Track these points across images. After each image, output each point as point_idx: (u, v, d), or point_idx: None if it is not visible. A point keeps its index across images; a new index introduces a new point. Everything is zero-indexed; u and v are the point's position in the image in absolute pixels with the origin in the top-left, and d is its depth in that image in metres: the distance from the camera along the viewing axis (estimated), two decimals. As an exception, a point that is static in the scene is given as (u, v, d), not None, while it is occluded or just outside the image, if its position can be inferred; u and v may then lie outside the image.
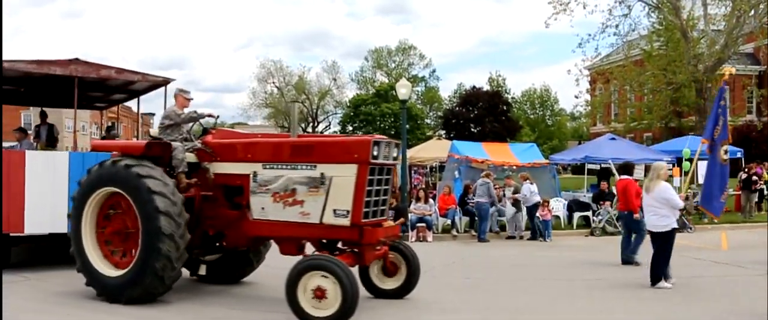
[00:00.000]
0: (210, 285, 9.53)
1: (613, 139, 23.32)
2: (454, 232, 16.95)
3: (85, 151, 12.85)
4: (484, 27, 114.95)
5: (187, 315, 7.90)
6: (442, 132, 54.54)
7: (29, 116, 48.70)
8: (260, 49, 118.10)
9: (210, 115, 9.25)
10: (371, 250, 7.91)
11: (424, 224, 16.09)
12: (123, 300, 8.02)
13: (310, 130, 71.02)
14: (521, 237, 16.71)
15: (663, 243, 9.57)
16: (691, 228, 17.51)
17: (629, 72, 31.23)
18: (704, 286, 9.97)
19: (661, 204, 9.53)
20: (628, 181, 12.20)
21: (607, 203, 17.72)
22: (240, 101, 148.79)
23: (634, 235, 12.03)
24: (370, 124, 62.00)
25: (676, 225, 9.73)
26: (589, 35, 29.75)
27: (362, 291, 7.92)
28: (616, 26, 29.26)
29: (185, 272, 8.97)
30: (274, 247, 9.38)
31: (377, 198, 7.85)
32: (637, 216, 11.69)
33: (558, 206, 18.54)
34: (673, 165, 19.76)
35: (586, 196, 19.86)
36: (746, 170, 21.46)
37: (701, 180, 20.52)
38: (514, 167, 19.85)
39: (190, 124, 9.32)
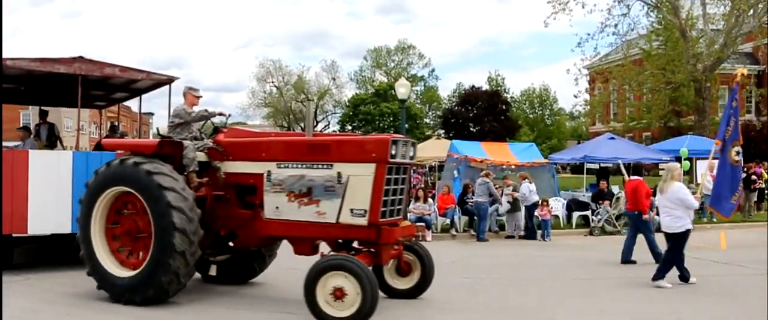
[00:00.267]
0: (218, 285, 9.45)
1: (612, 138, 23.34)
2: (453, 232, 16.96)
3: (88, 151, 12.74)
4: (483, 26, 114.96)
5: (194, 315, 7.86)
6: (442, 131, 54.51)
7: (28, 116, 48.53)
8: (260, 48, 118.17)
9: (221, 114, 9.12)
10: (388, 250, 7.85)
11: (423, 224, 16.08)
12: (137, 301, 7.91)
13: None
14: (521, 237, 16.71)
15: (677, 243, 9.62)
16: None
17: (628, 71, 31.27)
18: (703, 286, 9.96)
19: (675, 204, 9.58)
20: (639, 182, 12.23)
21: (607, 202, 17.74)
22: (239, 101, 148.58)
23: (643, 236, 12.03)
24: (369, 123, 62.01)
25: (690, 227, 9.76)
26: (589, 35, 29.88)
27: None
28: (615, 25, 29.37)
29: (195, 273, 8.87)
30: (282, 248, 9.38)
31: (394, 197, 7.80)
32: (646, 216, 11.79)
33: (557, 205, 18.54)
34: (679, 164, 19.75)
35: (585, 196, 19.87)
36: (745, 169, 21.46)
37: (699, 180, 20.67)
38: (513, 166, 19.86)
39: (201, 123, 9.18)
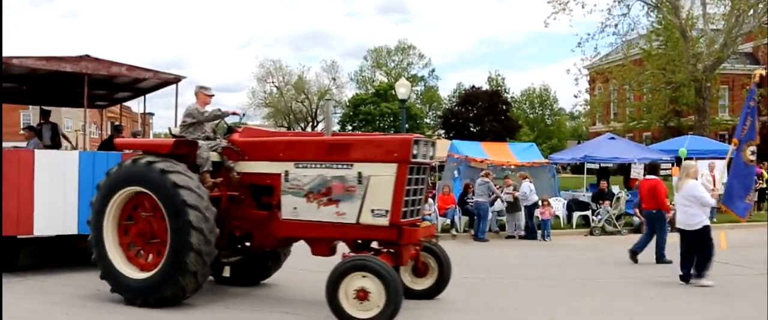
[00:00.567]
0: (230, 287, 9.35)
1: (613, 138, 23.33)
2: (453, 232, 16.95)
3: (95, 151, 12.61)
4: (483, 26, 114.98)
5: (207, 317, 7.81)
6: (442, 131, 54.53)
7: (28, 116, 48.48)
8: (260, 48, 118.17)
9: (235, 113, 9.02)
10: (408, 250, 7.79)
11: (424, 224, 16.07)
12: (153, 302, 7.82)
13: (309, 129, 70.99)
14: (521, 237, 16.70)
15: (701, 240, 9.70)
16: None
17: (628, 71, 31.26)
18: (703, 286, 9.96)
19: (690, 202, 9.68)
20: (656, 181, 12.30)
21: (607, 202, 17.74)
22: (239, 101, 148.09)
23: (656, 235, 12.13)
24: (369, 123, 61.98)
25: (708, 223, 9.83)
26: (589, 35, 29.87)
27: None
28: (616, 25, 29.37)
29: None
30: (294, 248, 9.34)
31: (415, 197, 7.75)
32: (669, 215, 11.94)
33: (557, 205, 18.54)
34: (672, 165, 19.78)
35: (585, 196, 19.86)
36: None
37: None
38: (513, 166, 19.86)
39: (214, 122, 9.04)
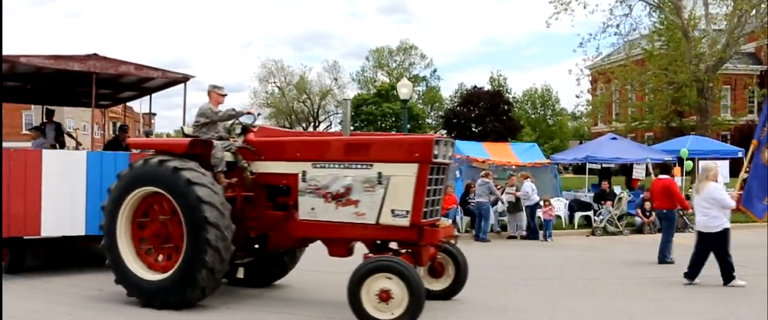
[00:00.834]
0: (241, 288, 9.27)
1: (615, 138, 23.35)
2: (454, 232, 16.92)
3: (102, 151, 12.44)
4: (485, 27, 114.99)
5: (215, 317, 7.75)
6: (443, 131, 54.51)
7: (31, 116, 48.47)
8: (262, 49, 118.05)
9: (249, 113, 8.90)
10: (427, 250, 7.72)
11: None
12: (174, 303, 7.70)
13: (311, 129, 71.03)
14: (523, 237, 16.70)
15: (720, 243, 9.68)
16: (692, 229, 17.47)
17: (630, 71, 31.23)
18: (704, 286, 9.96)
19: (710, 204, 9.65)
20: (670, 181, 12.34)
21: (609, 203, 17.73)
22: (241, 101, 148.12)
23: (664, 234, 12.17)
24: (371, 123, 61.99)
25: (728, 225, 9.80)
26: (591, 35, 29.82)
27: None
28: (617, 26, 29.32)
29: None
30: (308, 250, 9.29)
31: (435, 197, 7.70)
32: (690, 212, 11.91)
33: (559, 206, 18.54)
34: (674, 165, 19.75)
35: (587, 196, 19.87)
36: (748, 170, 21.39)
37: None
38: (514, 167, 19.86)
39: (228, 122, 8.95)
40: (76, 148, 15.80)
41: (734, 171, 17.17)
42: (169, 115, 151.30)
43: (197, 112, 8.82)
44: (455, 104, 61.31)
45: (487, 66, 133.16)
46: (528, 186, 16.71)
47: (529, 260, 13.43)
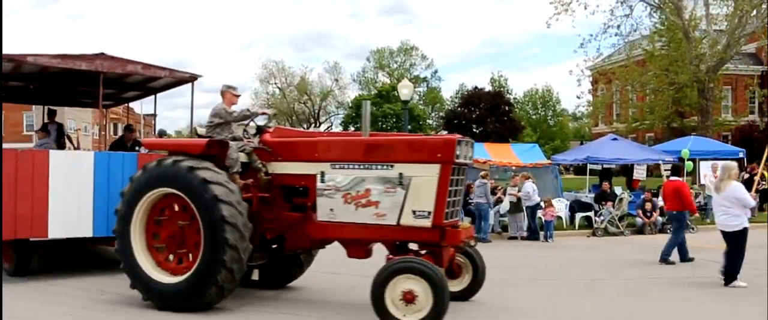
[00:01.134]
0: (256, 290, 9.17)
1: (615, 139, 23.33)
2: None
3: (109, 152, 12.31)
4: (486, 27, 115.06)
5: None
6: (444, 132, 54.45)
7: (31, 116, 48.43)
8: (263, 49, 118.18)
9: (264, 112, 8.82)
10: (448, 252, 7.66)
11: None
12: (194, 304, 7.59)
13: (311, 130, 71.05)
14: (523, 238, 16.69)
15: (737, 242, 9.72)
16: (693, 229, 17.47)
17: (631, 72, 31.25)
18: (704, 286, 9.97)
19: (731, 203, 9.67)
20: (681, 183, 12.41)
21: (610, 203, 17.72)
22: (242, 102, 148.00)
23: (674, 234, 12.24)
24: (372, 124, 61.74)
25: (747, 225, 9.82)
26: (591, 35, 29.85)
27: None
28: (618, 26, 29.34)
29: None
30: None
31: (455, 198, 7.66)
32: (696, 215, 11.97)
33: (560, 206, 18.52)
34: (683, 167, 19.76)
35: (588, 197, 19.85)
36: (749, 170, 21.41)
37: (703, 181, 20.65)
38: (514, 168, 19.85)
39: (244, 123, 8.79)
40: (73, 150, 15.69)
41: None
42: (170, 115, 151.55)
43: (211, 113, 8.70)
44: (456, 105, 61.35)
45: (488, 66, 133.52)
46: (529, 186, 16.70)
47: (530, 261, 13.42)
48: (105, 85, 11.89)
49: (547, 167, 20.97)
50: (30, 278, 9.85)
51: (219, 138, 8.37)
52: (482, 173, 17.51)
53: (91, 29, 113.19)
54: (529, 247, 15.59)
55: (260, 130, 8.70)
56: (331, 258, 9.37)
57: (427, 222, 7.26)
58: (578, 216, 18.69)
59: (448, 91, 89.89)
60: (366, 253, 7.97)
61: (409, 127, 24.68)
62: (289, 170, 8.19)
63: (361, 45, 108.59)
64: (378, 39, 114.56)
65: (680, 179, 12.64)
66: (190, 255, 8.01)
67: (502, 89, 67.19)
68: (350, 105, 68.99)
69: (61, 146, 14.23)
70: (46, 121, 14.86)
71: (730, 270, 9.76)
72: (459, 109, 56.32)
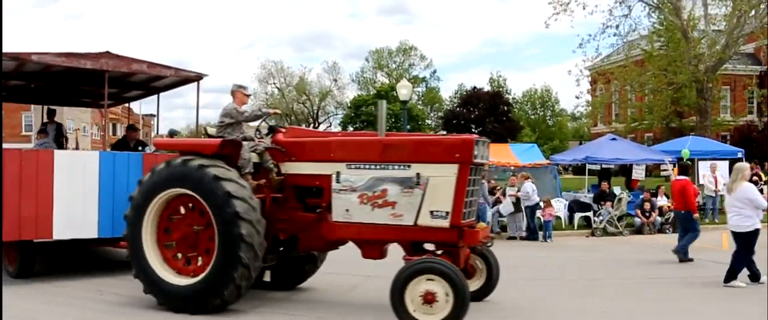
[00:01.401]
0: (267, 291, 9.13)
1: (614, 139, 23.33)
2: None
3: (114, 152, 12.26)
4: (485, 27, 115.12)
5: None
6: (443, 132, 54.47)
7: (30, 116, 48.38)
8: (262, 49, 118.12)
9: (275, 112, 8.67)
10: (465, 252, 7.62)
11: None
12: (217, 304, 7.56)
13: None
14: (522, 238, 16.70)
15: (745, 242, 9.69)
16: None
17: (630, 72, 31.20)
18: (704, 286, 9.98)
19: (743, 204, 9.64)
20: (687, 182, 12.48)
21: (608, 203, 17.74)
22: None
23: (688, 234, 12.32)
24: (371, 124, 61.98)
25: (759, 226, 9.79)
26: (590, 35, 29.69)
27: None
28: (617, 26, 29.23)
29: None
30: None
31: (472, 199, 7.63)
32: (696, 216, 12.28)
33: (559, 206, 18.53)
34: (674, 166, 19.77)
35: (587, 197, 19.87)
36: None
37: (702, 181, 20.67)
38: (513, 168, 19.86)
39: (256, 123, 8.78)
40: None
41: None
42: (169, 116, 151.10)
43: (222, 112, 8.65)
44: (455, 105, 61.34)
45: (487, 66, 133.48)
46: (529, 186, 16.70)
47: (529, 261, 13.42)
48: (109, 84, 11.74)
49: (546, 167, 20.98)
50: (31, 279, 9.81)
51: (230, 138, 8.31)
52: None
53: (90, 29, 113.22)
54: (528, 247, 15.60)
55: (272, 130, 8.65)
56: (331, 258, 9.39)
57: (444, 223, 7.23)
58: (577, 216, 18.72)
59: (447, 91, 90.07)
60: (381, 254, 7.91)
61: (408, 127, 24.69)
62: (303, 170, 8.14)
63: (360, 45, 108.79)
64: (377, 39, 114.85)
65: (687, 178, 12.73)
66: (200, 259, 7.95)
67: (501, 89, 67.22)
68: (349, 105, 68.99)
69: (59, 146, 14.18)
70: (45, 120, 14.82)
71: (732, 270, 9.77)
72: (458, 109, 56.35)
